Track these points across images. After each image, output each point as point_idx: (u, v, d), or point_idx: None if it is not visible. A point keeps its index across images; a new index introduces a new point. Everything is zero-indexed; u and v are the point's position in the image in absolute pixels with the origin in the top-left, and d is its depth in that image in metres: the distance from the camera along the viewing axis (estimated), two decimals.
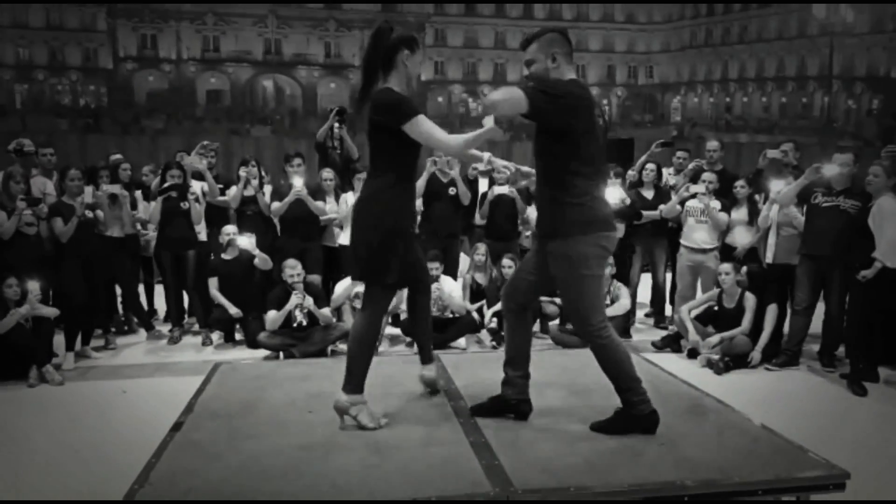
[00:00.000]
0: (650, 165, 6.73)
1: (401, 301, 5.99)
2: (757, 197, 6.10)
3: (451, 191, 6.38)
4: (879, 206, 5.01)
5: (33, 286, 5.13)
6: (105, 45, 49.57)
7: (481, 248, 6.37)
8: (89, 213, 5.73)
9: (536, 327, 6.47)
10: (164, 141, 25.55)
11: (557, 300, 6.35)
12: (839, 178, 5.27)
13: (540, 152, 2.89)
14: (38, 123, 32.94)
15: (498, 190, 6.39)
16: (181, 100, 46.74)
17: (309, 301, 5.65)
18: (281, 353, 5.56)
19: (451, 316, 6.04)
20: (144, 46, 50.07)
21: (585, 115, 2.78)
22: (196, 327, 6.36)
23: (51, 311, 5.34)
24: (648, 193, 6.62)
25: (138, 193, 6.54)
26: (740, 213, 6.09)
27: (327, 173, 6.58)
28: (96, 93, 49.29)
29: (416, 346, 3.42)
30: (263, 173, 6.87)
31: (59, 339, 5.50)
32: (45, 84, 48.75)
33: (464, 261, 7.07)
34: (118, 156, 7.11)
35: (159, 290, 6.81)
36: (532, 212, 7.04)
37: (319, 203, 6.34)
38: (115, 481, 2.61)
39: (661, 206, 6.41)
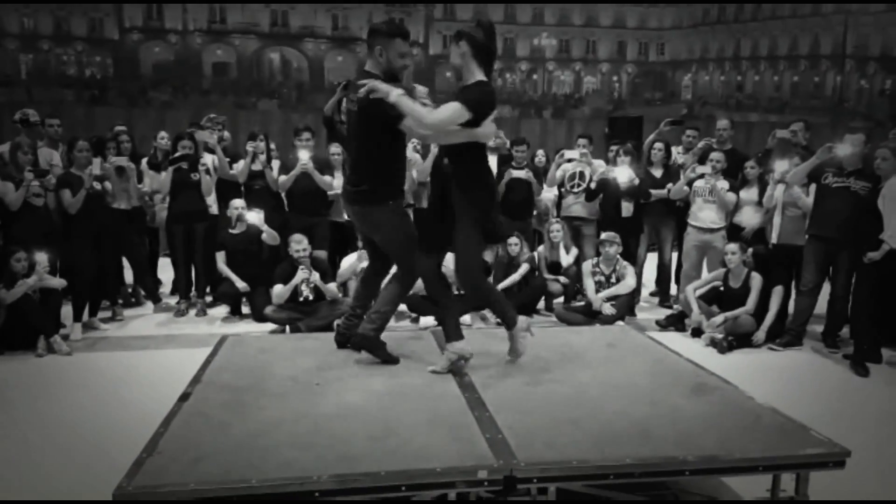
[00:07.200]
0: (658, 144, 6.70)
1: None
2: (768, 177, 6.07)
3: None
4: (889, 187, 4.98)
5: (41, 258, 5.17)
6: (111, 16, 49.09)
7: None
8: (98, 185, 5.73)
9: (541, 305, 6.50)
10: (171, 113, 25.47)
11: (562, 278, 6.37)
12: (851, 159, 5.23)
13: None
14: (43, 94, 32.81)
15: (515, 173, 6.57)
16: (187, 72, 46.36)
17: (315, 276, 5.68)
18: (287, 327, 5.59)
19: (456, 292, 6.06)
20: (150, 17, 49.57)
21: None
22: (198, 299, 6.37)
23: (58, 283, 5.38)
24: (657, 172, 6.58)
25: (144, 166, 6.54)
26: (750, 194, 6.05)
27: (335, 148, 6.55)
28: (102, 64, 48.89)
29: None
30: (272, 147, 6.85)
31: (66, 311, 5.56)
32: (51, 54, 48.37)
33: None
34: (121, 127, 7.10)
35: (164, 263, 6.85)
36: (546, 194, 7.10)
37: (327, 177, 6.33)
38: (123, 450, 2.66)
39: (670, 185, 6.39)
